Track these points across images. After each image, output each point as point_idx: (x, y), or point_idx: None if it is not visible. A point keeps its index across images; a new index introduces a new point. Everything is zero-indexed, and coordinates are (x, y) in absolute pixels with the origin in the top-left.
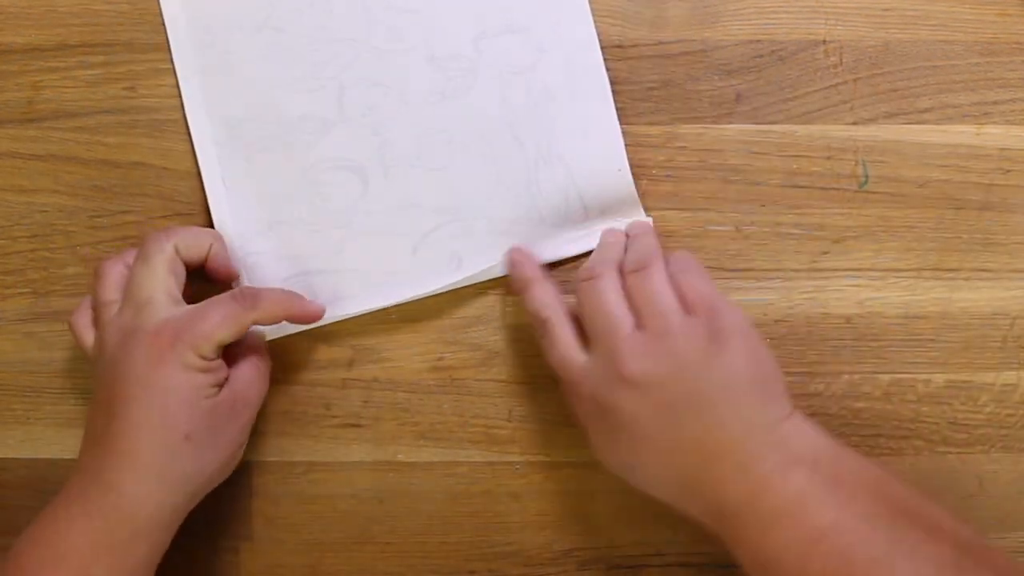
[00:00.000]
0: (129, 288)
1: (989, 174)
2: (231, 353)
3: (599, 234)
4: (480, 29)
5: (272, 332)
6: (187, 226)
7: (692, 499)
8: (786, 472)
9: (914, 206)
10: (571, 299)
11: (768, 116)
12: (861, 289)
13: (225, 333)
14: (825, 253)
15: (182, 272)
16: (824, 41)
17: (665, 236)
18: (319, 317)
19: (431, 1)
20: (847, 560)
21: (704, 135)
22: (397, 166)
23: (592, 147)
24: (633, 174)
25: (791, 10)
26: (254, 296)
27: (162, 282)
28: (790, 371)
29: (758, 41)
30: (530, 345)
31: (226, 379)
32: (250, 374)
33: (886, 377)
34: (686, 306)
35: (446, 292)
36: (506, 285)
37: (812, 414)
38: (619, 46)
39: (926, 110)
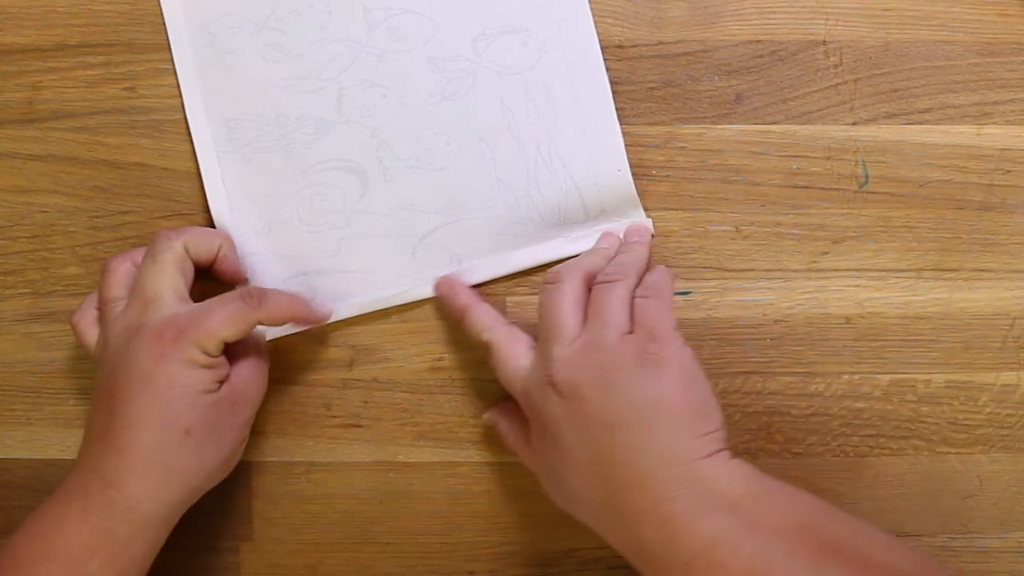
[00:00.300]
0: (136, 285)
1: (989, 174)
2: (232, 351)
3: (599, 234)
4: (480, 30)
5: (272, 332)
6: (197, 226)
7: (611, 530)
8: (701, 516)
9: (914, 206)
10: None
11: (768, 116)
12: (861, 289)
13: (230, 331)
14: (825, 253)
15: (190, 271)
16: (824, 41)
17: (665, 236)
18: (324, 321)
19: (431, 2)
20: None
21: (704, 135)
22: (397, 167)
23: (592, 147)
24: (633, 174)
25: (791, 10)
26: (261, 296)
27: (170, 280)
28: (790, 371)
29: (758, 41)
30: None
31: (227, 376)
32: (250, 372)
33: (886, 377)
34: (633, 326)
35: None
36: (508, 284)
37: (812, 414)
38: (619, 46)
39: (926, 110)
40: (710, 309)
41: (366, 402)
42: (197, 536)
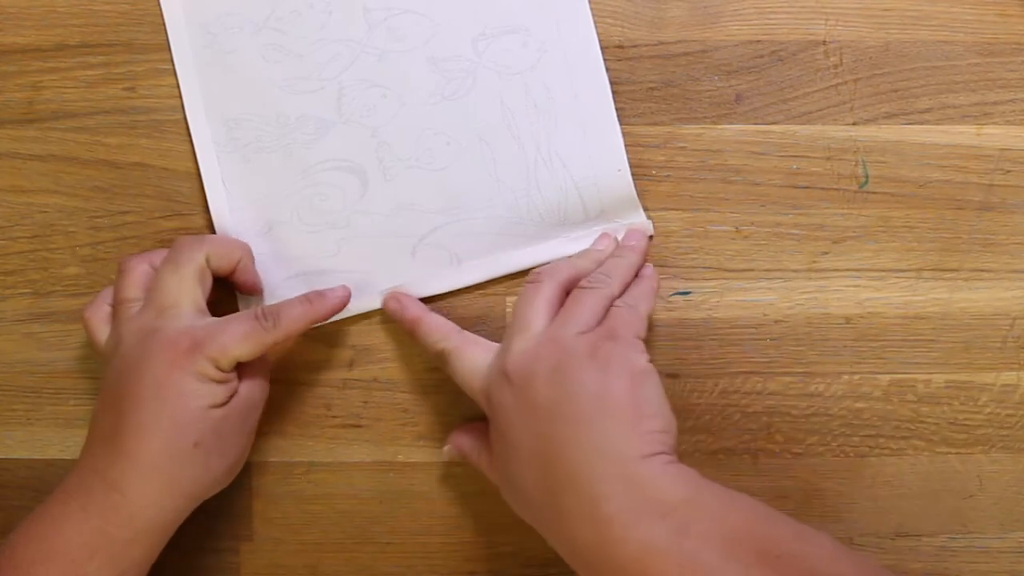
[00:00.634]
0: (154, 290)
1: (989, 174)
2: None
3: (598, 235)
4: (480, 30)
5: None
6: (218, 236)
7: (551, 530)
8: (635, 520)
9: (914, 206)
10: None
11: (768, 116)
12: (861, 289)
13: (244, 351)
14: (825, 253)
15: (209, 282)
16: (824, 41)
17: (665, 236)
18: (344, 303)
19: (431, 2)
20: None
21: (704, 135)
22: (397, 167)
23: (592, 147)
24: (633, 174)
25: (791, 10)
26: (276, 317)
27: (189, 290)
28: (790, 371)
29: (758, 41)
30: None
31: (236, 390)
32: (257, 384)
33: (886, 377)
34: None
35: (446, 292)
36: (508, 284)
37: (812, 414)
38: (619, 46)
39: (926, 110)
40: (710, 309)
41: (366, 402)
42: (197, 536)
